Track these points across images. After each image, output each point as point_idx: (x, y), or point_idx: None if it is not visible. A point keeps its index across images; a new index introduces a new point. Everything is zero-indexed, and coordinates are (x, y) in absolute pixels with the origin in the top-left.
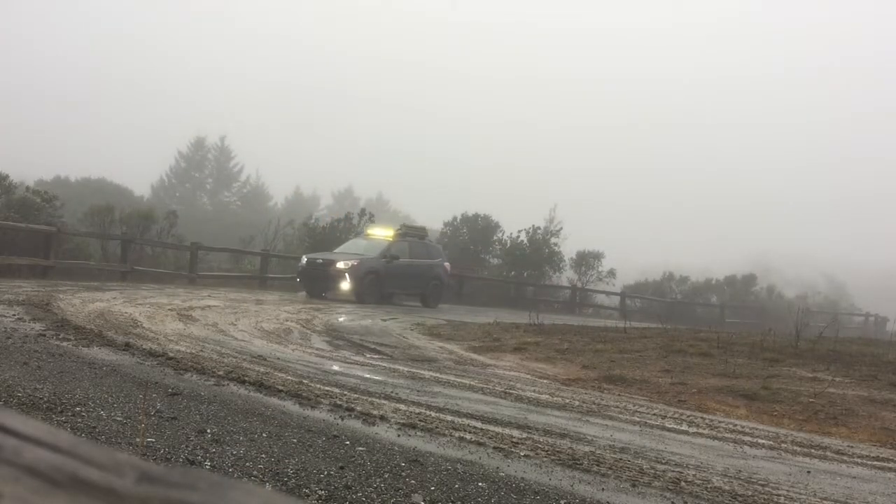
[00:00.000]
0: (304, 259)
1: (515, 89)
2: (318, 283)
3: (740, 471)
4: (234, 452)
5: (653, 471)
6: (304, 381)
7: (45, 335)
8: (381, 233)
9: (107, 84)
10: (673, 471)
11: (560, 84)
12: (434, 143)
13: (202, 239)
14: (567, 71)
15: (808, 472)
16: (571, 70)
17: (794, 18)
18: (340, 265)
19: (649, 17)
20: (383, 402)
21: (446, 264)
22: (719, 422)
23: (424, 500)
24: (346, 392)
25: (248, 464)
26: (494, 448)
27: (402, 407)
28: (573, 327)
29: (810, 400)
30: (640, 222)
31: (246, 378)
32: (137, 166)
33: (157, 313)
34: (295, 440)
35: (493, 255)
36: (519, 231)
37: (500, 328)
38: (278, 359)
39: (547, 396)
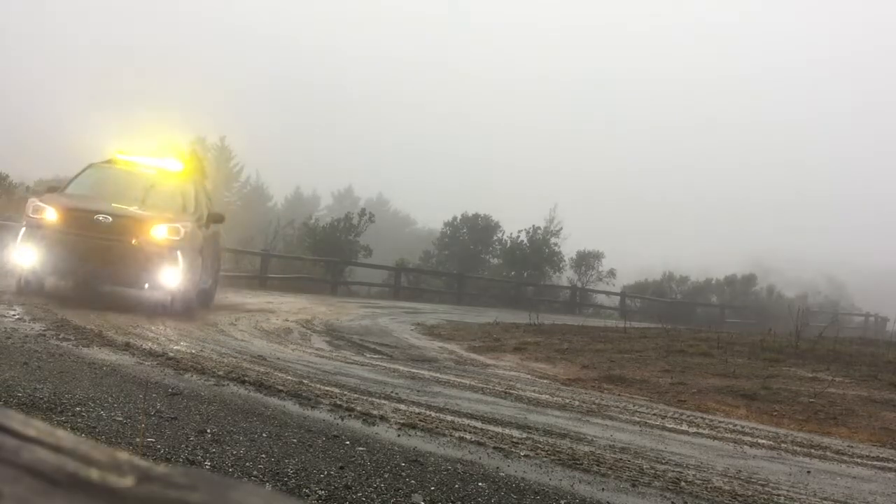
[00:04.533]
0: None
1: (516, 89)
2: None
3: (740, 471)
4: (234, 452)
5: (653, 471)
6: (304, 381)
7: (44, 335)
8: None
9: (107, 84)
10: (673, 471)
11: (560, 84)
12: (434, 143)
13: None
14: (566, 71)
15: (808, 472)
16: (570, 70)
17: (780, 23)
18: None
19: (648, 15)
20: (383, 402)
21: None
22: (719, 422)
23: (424, 500)
24: (346, 392)
25: (248, 464)
26: (494, 448)
27: (402, 407)
28: (573, 327)
29: (810, 400)
30: (640, 222)
31: (246, 378)
32: None
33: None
34: (295, 440)
35: (493, 255)
36: (519, 231)
37: (500, 328)
38: (278, 359)
39: (547, 396)
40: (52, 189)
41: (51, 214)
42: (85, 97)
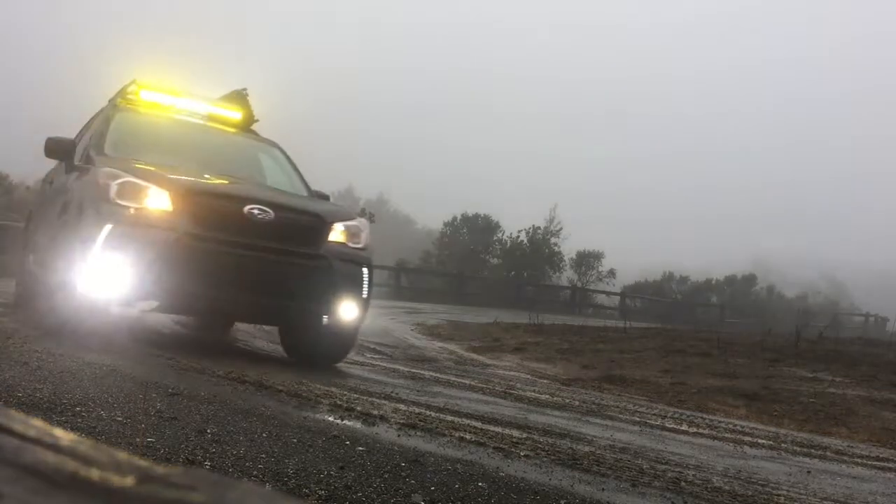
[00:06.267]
0: None
1: (515, 85)
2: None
3: (740, 471)
4: (234, 452)
5: (653, 471)
6: (304, 382)
7: (44, 335)
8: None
9: (107, 84)
10: (673, 471)
11: (560, 81)
12: (434, 142)
13: None
14: (567, 69)
15: (809, 472)
16: (570, 68)
17: (782, 12)
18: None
19: (648, 14)
20: (383, 402)
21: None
22: (719, 422)
23: (424, 500)
24: (345, 392)
25: (248, 464)
26: (494, 448)
27: (402, 407)
28: (573, 327)
29: (810, 400)
30: (640, 222)
31: (246, 378)
32: None
33: None
34: (295, 440)
35: (493, 256)
36: (519, 231)
37: (500, 328)
38: (277, 359)
39: (547, 396)
40: (99, 151)
41: (162, 201)
42: (85, 97)
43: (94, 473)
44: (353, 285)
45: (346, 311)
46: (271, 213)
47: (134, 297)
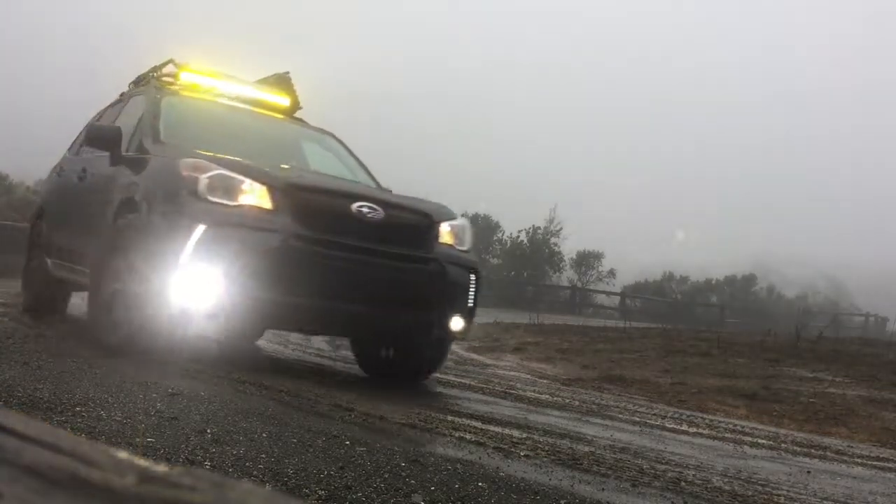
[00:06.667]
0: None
1: (515, 80)
2: None
3: (740, 471)
4: (234, 452)
5: (653, 471)
6: (303, 382)
7: (44, 335)
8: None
9: (108, 84)
10: (673, 471)
11: (560, 78)
12: (433, 138)
13: None
14: (568, 65)
15: (809, 472)
16: (571, 65)
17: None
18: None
19: (653, 13)
20: (383, 402)
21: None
22: (719, 422)
23: (424, 500)
24: (345, 393)
25: (248, 464)
26: (494, 448)
27: (402, 407)
28: (573, 327)
29: (810, 400)
30: (640, 222)
31: (246, 378)
32: None
33: None
34: (295, 440)
35: (493, 255)
36: (519, 231)
37: (500, 328)
38: (277, 359)
39: (547, 396)
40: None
41: (260, 198)
42: (85, 97)
43: (94, 473)
44: (465, 293)
45: (457, 321)
46: (381, 212)
47: (229, 311)
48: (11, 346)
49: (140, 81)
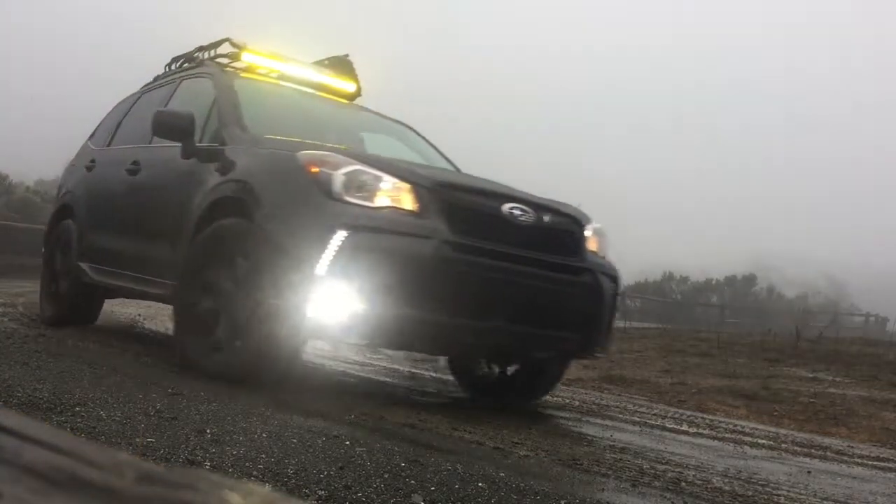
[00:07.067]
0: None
1: (517, 73)
2: None
3: (740, 471)
4: (234, 452)
5: (653, 471)
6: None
7: (44, 335)
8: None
9: (109, 84)
10: (673, 471)
11: (561, 73)
12: (433, 130)
13: None
14: (570, 62)
15: (809, 472)
16: (572, 61)
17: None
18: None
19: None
20: (382, 402)
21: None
22: (719, 422)
23: (424, 501)
24: (345, 392)
25: (247, 464)
26: (494, 448)
27: (402, 407)
28: None
29: (810, 400)
30: (641, 222)
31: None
32: None
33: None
34: (295, 440)
35: None
36: None
37: None
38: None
39: (547, 396)
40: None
41: (404, 198)
42: (86, 98)
43: (94, 473)
44: (614, 308)
45: (605, 338)
46: (532, 214)
47: (372, 332)
48: (11, 346)
49: (188, 63)
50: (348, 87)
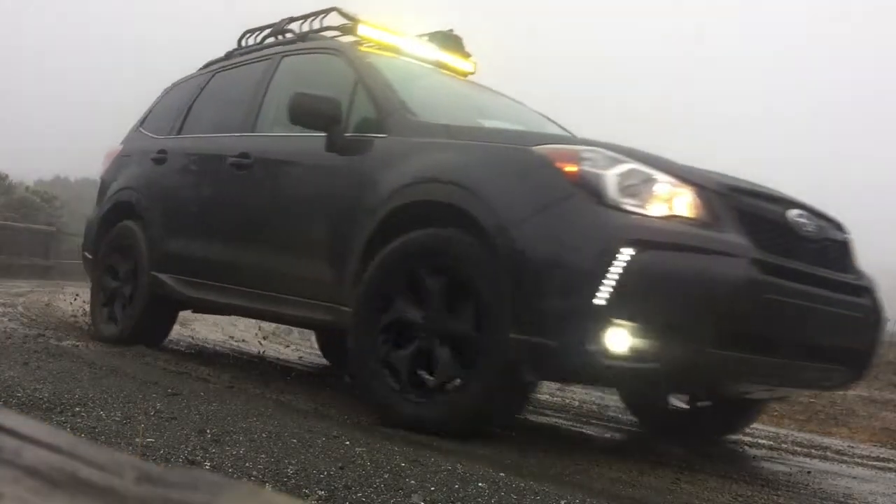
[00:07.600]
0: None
1: (516, 70)
2: None
3: (740, 471)
4: (234, 452)
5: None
6: (304, 382)
7: (44, 335)
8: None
9: (110, 84)
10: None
11: (563, 68)
12: None
13: None
14: (573, 60)
15: (809, 472)
16: (574, 57)
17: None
18: None
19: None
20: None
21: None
22: None
23: (424, 501)
24: (342, 393)
25: (247, 464)
26: (493, 447)
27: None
28: None
29: (810, 400)
30: None
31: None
32: None
33: None
34: (295, 440)
35: None
36: None
37: None
38: (278, 359)
39: (546, 397)
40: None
41: (688, 206)
42: (87, 98)
43: (94, 473)
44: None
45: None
46: (814, 222)
47: (674, 376)
48: (11, 346)
49: (278, 36)
50: (466, 66)
